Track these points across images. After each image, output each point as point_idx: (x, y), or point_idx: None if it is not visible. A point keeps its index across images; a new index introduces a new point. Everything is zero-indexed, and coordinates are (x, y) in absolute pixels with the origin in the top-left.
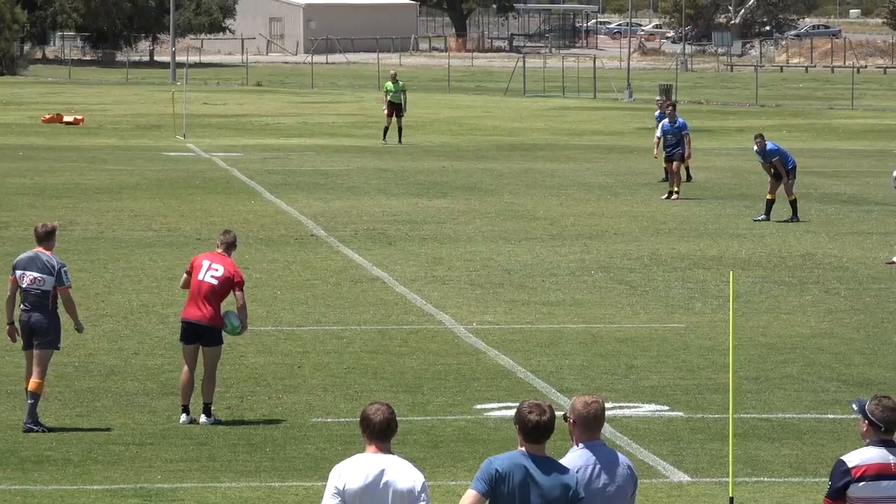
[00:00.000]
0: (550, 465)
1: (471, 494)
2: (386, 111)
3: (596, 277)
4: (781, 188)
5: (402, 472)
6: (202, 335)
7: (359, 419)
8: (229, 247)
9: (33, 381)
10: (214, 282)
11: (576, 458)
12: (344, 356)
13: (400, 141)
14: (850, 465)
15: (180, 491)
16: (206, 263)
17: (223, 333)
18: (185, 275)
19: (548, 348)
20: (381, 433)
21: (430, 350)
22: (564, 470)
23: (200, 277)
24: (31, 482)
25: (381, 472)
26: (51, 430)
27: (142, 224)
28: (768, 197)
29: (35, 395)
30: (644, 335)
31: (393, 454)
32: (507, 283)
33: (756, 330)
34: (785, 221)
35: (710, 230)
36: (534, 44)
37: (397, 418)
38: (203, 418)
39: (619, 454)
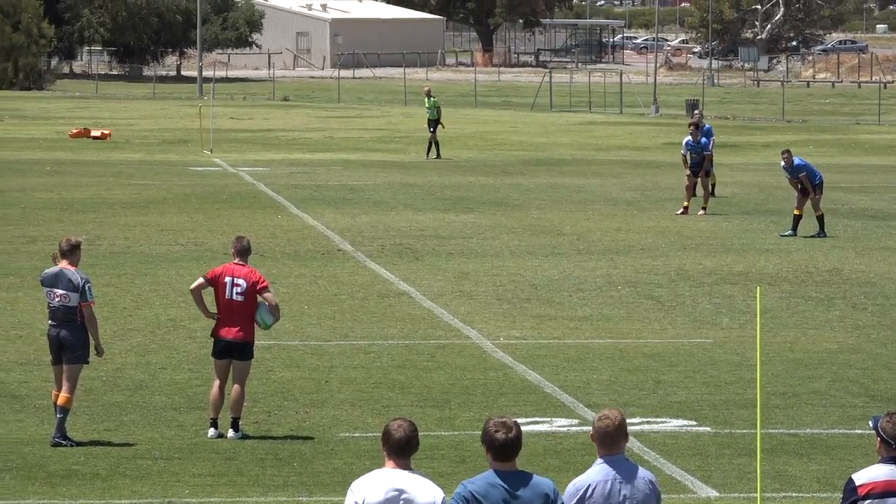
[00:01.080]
0: (524, 479)
1: None
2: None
3: (623, 292)
4: (808, 203)
5: (421, 487)
6: (234, 350)
7: (381, 433)
8: (244, 253)
9: (62, 396)
10: (241, 298)
11: (595, 473)
12: (371, 371)
13: (428, 155)
14: (857, 483)
15: None
16: (228, 281)
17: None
18: (200, 279)
19: (575, 363)
20: (399, 449)
21: (458, 365)
22: (539, 480)
23: (228, 297)
24: (59, 496)
25: (401, 487)
26: (79, 444)
27: (169, 239)
28: (795, 212)
29: (64, 410)
30: (671, 350)
31: (412, 471)
32: (534, 298)
33: (783, 345)
34: (812, 237)
35: (736, 245)
36: (560, 59)
37: (425, 433)
38: (231, 433)
39: (642, 469)
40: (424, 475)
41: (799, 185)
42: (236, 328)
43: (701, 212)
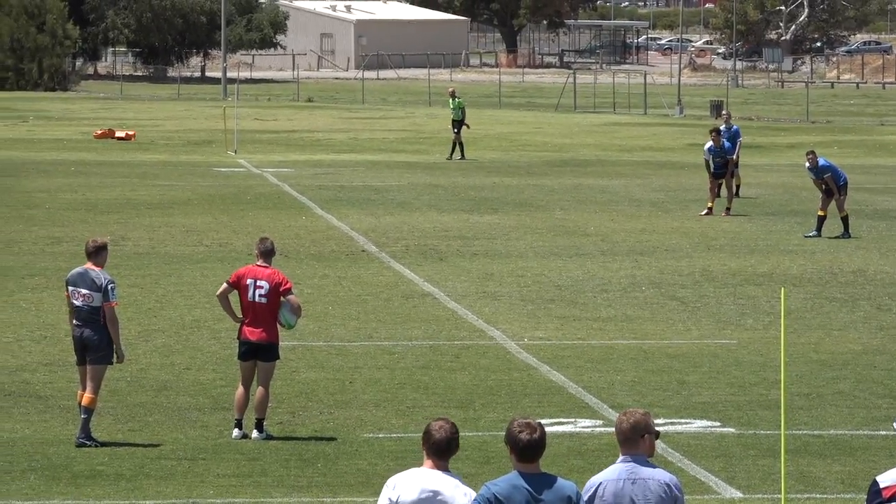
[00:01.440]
0: (547, 481)
1: None
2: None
3: (647, 293)
4: (833, 204)
5: (455, 489)
6: (259, 351)
7: (422, 432)
8: (267, 255)
9: (86, 396)
10: (264, 300)
11: (609, 472)
12: (395, 372)
13: (452, 156)
14: (881, 485)
15: None
16: (251, 283)
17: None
18: (224, 284)
19: (599, 364)
20: (439, 450)
21: (482, 366)
22: (562, 483)
23: (251, 299)
24: (83, 497)
25: (435, 487)
26: (103, 444)
27: (193, 239)
28: (819, 213)
29: (88, 410)
30: (695, 351)
31: (449, 472)
32: (559, 298)
33: (808, 346)
34: (836, 238)
35: (761, 246)
36: (584, 59)
37: None
38: (255, 433)
39: (662, 471)
40: (461, 478)
41: (823, 186)
42: (259, 329)
43: (725, 213)
